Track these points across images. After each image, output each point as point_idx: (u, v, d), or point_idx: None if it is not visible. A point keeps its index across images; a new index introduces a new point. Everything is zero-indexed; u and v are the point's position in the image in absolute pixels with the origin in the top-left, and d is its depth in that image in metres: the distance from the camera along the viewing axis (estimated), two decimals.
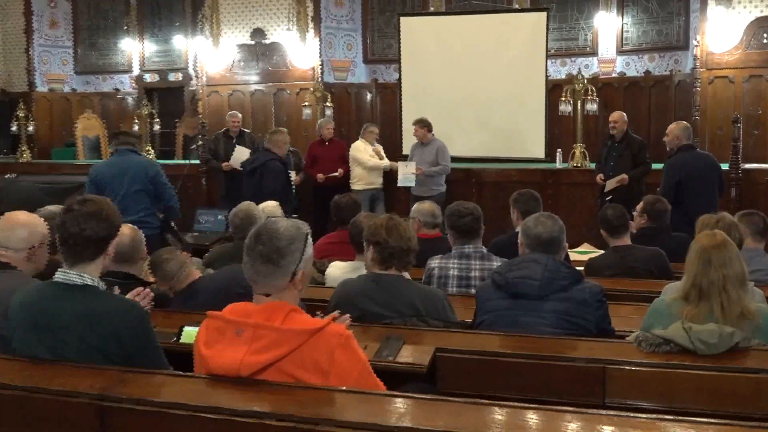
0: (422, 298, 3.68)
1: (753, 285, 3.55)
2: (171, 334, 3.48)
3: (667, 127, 7.60)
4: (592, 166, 9.35)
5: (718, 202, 7.19)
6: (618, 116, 8.53)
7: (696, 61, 10.66)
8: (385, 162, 9.95)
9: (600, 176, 8.50)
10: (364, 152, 9.85)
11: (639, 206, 5.75)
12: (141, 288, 3.66)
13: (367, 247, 3.77)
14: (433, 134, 9.44)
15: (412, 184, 9.23)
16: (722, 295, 3.19)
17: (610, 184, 8.36)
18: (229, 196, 9.64)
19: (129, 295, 3.25)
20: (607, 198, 8.24)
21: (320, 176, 9.82)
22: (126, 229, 3.88)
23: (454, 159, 9.68)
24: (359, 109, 13.19)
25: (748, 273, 3.33)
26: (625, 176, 8.25)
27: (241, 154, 9.76)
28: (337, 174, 9.76)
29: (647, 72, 12.20)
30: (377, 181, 9.97)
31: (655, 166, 8.84)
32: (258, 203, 7.40)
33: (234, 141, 10.03)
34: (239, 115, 10.30)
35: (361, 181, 9.85)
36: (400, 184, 9.46)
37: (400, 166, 9.45)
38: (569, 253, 4.95)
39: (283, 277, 2.54)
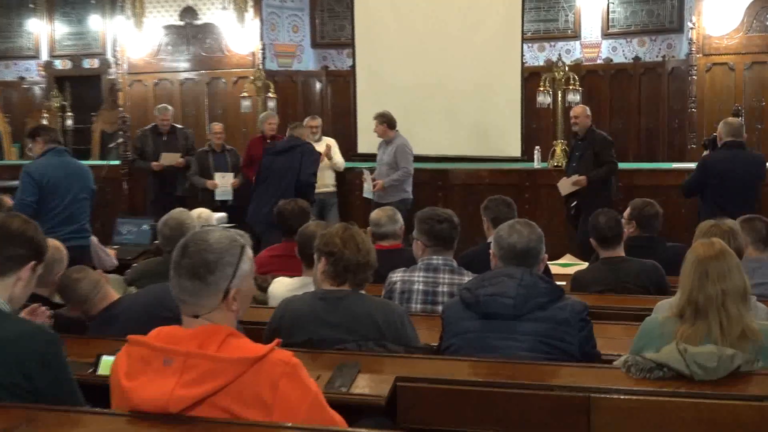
0: (382, 315, 3.69)
1: (756, 300, 3.59)
2: (87, 364, 3.45)
3: None
4: None
5: (754, 206, 7.35)
6: (579, 111, 8.75)
7: (691, 45, 10.79)
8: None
9: (563, 180, 8.67)
10: None
11: (626, 212, 5.82)
12: (36, 305, 3.61)
13: (318, 259, 3.78)
14: (396, 131, 9.44)
15: (373, 197, 9.27)
16: (721, 312, 3.23)
17: (564, 187, 8.47)
18: (159, 201, 9.59)
19: (22, 314, 3.22)
20: (573, 204, 8.36)
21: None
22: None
23: (417, 158, 9.71)
24: (307, 101, 13.18)
25: (751, 286, 3.37)
26: (581, 177, 8.43)
27: (169, 160, 9.72)
28: None
29: (636, 58, 12.37)
30: (327, 184, 9.95)
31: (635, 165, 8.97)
32: (296, 187, 8.01)
33: (164, 138, 9.98)
34: (170, 109, 10.23)
35: None
36: (365, 194, 9.49)
37: (366, 175, 9.47)
38: (549, 266, 4.99)
39: (212, 296, 2.52)
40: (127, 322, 3.81)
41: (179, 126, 10.40)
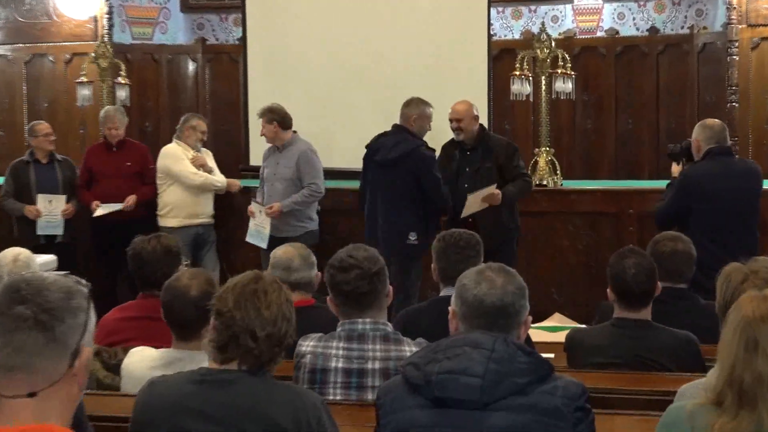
0: (287, 410, 3.66)
1: None
2: None
3: None
4: (567, 184, 9.55)
5: (756, 236, 7.53)
6: (463, 109, 8.82)
7: (731, 12, 10.94)
8: (218, 178, 9.90)
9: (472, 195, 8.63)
10: (183, 163, 9.76)
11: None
12: None
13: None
14: (294, 132, 9.44)
15: (264, 244, 9.20)
16: None
17: (472, 204, 8.48)
18: None
19: None
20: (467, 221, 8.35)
21: (96, 206, 9.74)
22: None
23: (335, 174, 9.73)
24: (175, 89, 13.13)
25: None
26: (495, 191, 8.47)
27: None
28: (124, 205, 9.66)
29: (653, 30, 12.51)
30: (204, 212, 9.91)
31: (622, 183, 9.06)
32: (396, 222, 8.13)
33: None
34: None
35: (176, 211, 9.78)
36: (249, 238, 9.43)
37: (254, 208, 9.46)
38: (531, 331, 5.03)
39: (60, 358, 2.49)
40: None
41: None
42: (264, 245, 9.10)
